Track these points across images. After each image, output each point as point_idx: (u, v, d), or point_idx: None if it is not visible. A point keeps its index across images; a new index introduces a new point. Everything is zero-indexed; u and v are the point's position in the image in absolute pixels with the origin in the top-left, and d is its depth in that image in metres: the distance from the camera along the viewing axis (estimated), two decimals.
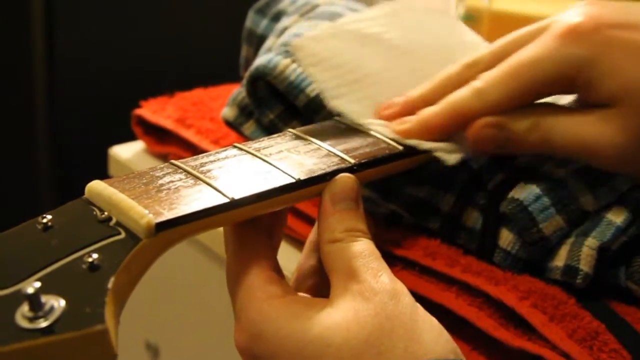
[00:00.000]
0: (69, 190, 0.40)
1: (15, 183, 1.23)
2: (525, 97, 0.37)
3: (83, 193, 0.32)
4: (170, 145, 0.57)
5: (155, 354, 0.64)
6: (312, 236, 0.36)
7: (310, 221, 0.44)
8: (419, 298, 0.39)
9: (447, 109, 0.37)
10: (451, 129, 0.37)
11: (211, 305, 0.56)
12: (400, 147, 0.38)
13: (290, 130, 0.38)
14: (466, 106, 0.37)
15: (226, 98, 0.50)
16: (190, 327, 0.59)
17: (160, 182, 0.32)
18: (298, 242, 0.45)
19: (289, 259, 0.44)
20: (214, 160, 0.35)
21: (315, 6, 0.51)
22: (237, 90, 0.49)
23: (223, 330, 0.54)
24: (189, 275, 0.57)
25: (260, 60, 0.45)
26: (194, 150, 0.53)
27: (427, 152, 0.38)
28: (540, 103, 0.38)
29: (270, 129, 0.47)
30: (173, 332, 0.62)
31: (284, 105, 0.46)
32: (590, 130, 0.35)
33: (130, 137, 0.60)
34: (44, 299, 0.26)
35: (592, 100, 0.36)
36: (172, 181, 0.33)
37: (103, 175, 0.58)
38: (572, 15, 0.36)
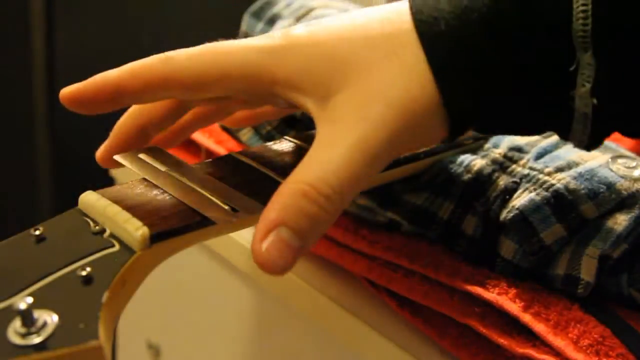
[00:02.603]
0: (69, 191, 0.39)
1: (15, 183, 1.23)
2: (214, 80, 0.33)
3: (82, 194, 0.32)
4: None
5: (157, 354, 0.64)
6: None
7: None
8: (421, 306, 0.38)
9: (125, 68, 0.34)
10: (127, 90, 0.34)
11: (213, 306, 0.56)
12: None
13: (287, 137, 0.38)
14: (147, 66, 0.34)
15: None
16: (192, 328, 0.59)
17: (155, 192, 0.32)
18: None
19: None
20: (210, 169, 0.34)
21: (311, 10, 0.51)
22: None
23: (224, 331, 0.54)
24: (190, 275, 0.57)
25: None
26: (196, 149, 0.52)
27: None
28: None
29: (267, 138, 0.47)
30: (175, 332, 0.62)
31: (281, 118, 0.45)
32: None
33: None
34: (36, 314, 0.26)
35: None
36: (168, 191, 0.32)
37: (103, 175, 0.58)
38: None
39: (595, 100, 0.31)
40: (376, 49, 0.32)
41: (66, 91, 0.34)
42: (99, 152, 0.37)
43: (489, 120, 0.33)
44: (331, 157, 0.30)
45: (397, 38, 0.32)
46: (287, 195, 0.29)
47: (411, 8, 0.32)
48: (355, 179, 0.30)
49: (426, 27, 0.31)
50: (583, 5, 0.30)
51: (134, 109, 0.37)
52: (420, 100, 0.31)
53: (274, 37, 0.33)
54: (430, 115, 0.31)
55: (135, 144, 0.37)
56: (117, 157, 0.35)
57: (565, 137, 0.34)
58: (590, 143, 0.33)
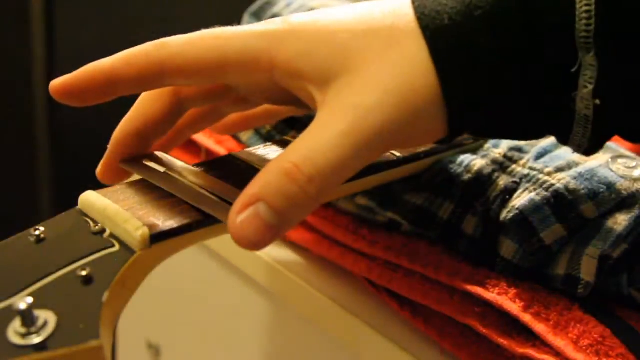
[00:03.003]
0: (69, 191, 0.39)
1: (15, 183, 1.23)
2: (212, 65, 0.32)
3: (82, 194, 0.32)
4: None
5: (157, 354, 0.64)
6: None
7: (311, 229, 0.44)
8: (421, 306, 0.38)
9: (118, 56, 0.33)
10: (121, 78, 0.33)
11: (213, 306, 0.56)
12: (398, 154, 0.38)
13: (287, 137, 0.38)
14: (142, 52, 0.33)
15: None
16: (192, 328, 0.59)
17: (155, 192, 0.32)
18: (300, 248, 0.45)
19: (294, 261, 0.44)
20: (210, 169, 0.34)
21: (310, 10, 0.51)
22: None
23: (224, 331, 0.54)
24: (190, 275, 0.57)
25: None
26: (196, 149, 0.52)
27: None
28: None
29: (267, 139, 0.47)
30: (174, 332, 0.62)
31: None
32: None
33: None
34: (36, 314, 0.26)
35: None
36: (168, 191, 0.32)
37: None
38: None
39: (597, 102, 0.31)
40: (377, 38, 0.31)
41: (56, 83, 0.33)
42: (99, 168, 0.36)
43: (488, 119, 0.33)
44: (321, 139, 0.29)
45: (399, 29, 0.31)
46: (270, 172, 0.29)
47: (413, 2, 0.32)
48: (342, 164, 0.29)
49: (429, 20, 0.31)
50: (587, 5, 0.30)
51: (127, 117, 0.36)
52: (421, 91, 0.31)
53: (274, 22, 0.32)
54: (429, 108, 0.31)
55: (133, 151, 0.36)
56: (120, 164, 0.35)
57: (565, 140, 0.33)
58: (590, 147, 0.33)
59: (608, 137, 0.33)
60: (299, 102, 0.33)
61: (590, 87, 0.31)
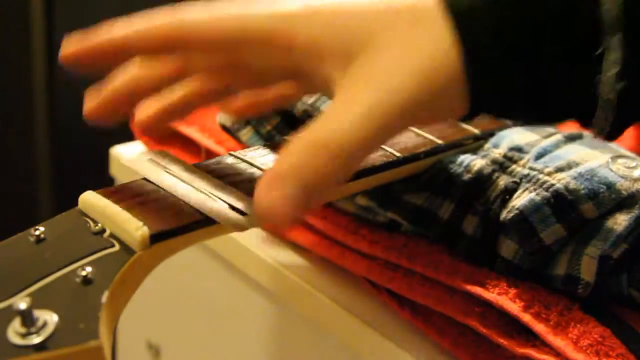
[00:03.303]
0: (69, 191, 0.39)
1: (15, 183, 1.23)
2: (231, 42, 0.33)
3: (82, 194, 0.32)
4: (170, 145, 0.56)
5: (157, 354, 0.64)
6: None
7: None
8: (421, 306, 0.38)
9: (132, 31, 0.34)
10: (133, 52, 0.33)
11: (212, 305, 0.56)
12: (398, 154, 0.38)
13: (287, 138, 0.38)
14: (158, 29, 0.33)
15: None
16: (192, 328, 0.59)
17: (155, 192, 0.32)
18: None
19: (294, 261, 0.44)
20: (209, 169, 0.34)
21: None
22: None
23: (224, 331, 0.54)
24: (190, 275, 0.57)
25: None
26: (196, 149, 0.52)
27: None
28: None
29: (267, 139, 0.47)
30: (175, 332, 0.62)
31: (281, 116, 0.45)
32: None
33: (130, 137, 0.59)
34: (36, 314, 0.26)
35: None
36: (168, 191, 0.32)
37: (103, 175, 0.58)
38: None
39: (622, 85, 0.31)
40: (399, 18, 0.32)
41: (67, 52, 0.33)
42: (88, 108, 0.36)
43: (509, 98, 0.33)
44: (344, 119, 0.30)
45: (421, 8, 0.32)
46: (296, 148, 0.29)
47: None
48: (364, 144, 0.30)
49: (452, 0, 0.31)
50: None
51: (131, 75, 0.35)
52: (443, 70, 0.31)
53: (294, 2, 0.32)
54: (452, 86, 0.31)
55: (125, 107, 0.36)
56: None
57: (587, 124, 0.33)
58: (612, 131, 0.33)
59: (631, 122, 0.33)
60: (312, 84, 0.33)
61: (615, 70, 0.31)
